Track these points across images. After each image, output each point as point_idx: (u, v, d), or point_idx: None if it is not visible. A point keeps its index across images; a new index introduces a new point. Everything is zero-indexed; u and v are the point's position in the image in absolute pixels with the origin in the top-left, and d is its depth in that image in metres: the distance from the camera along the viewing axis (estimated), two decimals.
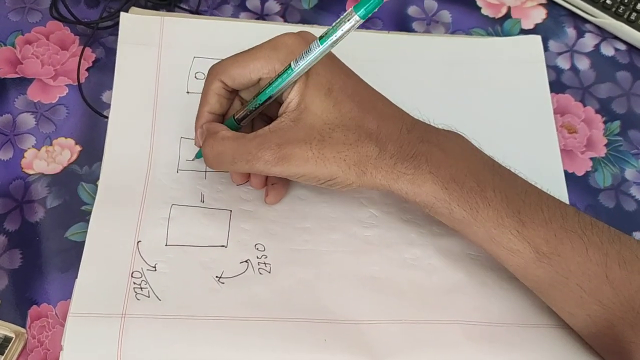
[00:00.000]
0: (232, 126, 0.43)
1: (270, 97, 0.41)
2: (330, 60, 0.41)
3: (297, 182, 0.47)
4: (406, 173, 0.40)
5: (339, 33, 0.37)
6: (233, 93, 0.43)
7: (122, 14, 0.52)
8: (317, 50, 0.38)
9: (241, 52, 0.42)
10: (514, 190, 0.41)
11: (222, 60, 0.42)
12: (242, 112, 0.42)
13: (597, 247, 0.40)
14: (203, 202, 0.46)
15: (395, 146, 0.40)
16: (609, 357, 0.42)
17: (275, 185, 0.46)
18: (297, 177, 0.40)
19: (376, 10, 0.36)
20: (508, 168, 0.43)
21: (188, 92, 0.50)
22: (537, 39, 0.56)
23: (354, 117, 0.40)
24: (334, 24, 0.37)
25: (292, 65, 0.39)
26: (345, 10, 0.57)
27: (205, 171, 0.47)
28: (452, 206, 0.40)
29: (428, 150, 0.40)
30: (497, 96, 0.54)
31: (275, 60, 0.40)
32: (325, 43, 0.38)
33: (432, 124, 0.43)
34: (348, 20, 0.36)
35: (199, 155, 0.46)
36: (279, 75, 0.40)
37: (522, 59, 0.55)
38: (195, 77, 0.51)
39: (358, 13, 0.36)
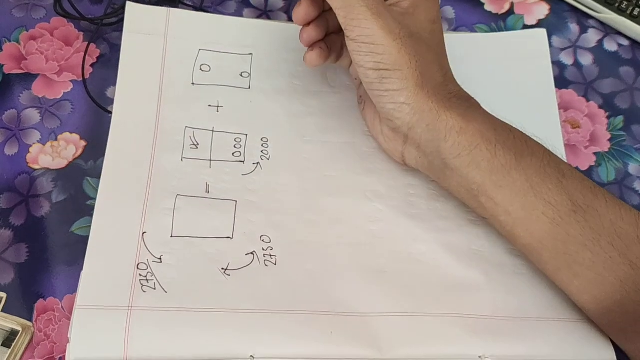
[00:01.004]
0: None
1: None
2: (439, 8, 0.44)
3: (303, 174, 0.47)
4: (460, 106, 0.41)
5: None
6: None
7: (127, 3, 0.52)
8: None
9: None
10: (551, 152, 0.42)
11: None
12: None
13: (629, 208, 0.40)
14: (208, 192, 0.46)
15: (455, 89, 0.43)
16: (622, 332, 0.42)
17: (323, 48, 0.45)
18: (367, 42, 0.39)
19: None
20: None
21: (193, 84, 0.50)
22: (542, 32, 0.56)
23: (437, 51, 0.42)
24: None
25: None
26: None
27: (210, 160, 0.47)
28: (497, 148, 0.40)
29: (477, 105, 0.43)
30: (502, 91, 0.53)
31: None
32: None
33: None
34: None
35: None
36: None
37: (527, 53, 0.56)
38: (201, 69, 0.51)
39: None
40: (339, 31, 0.44)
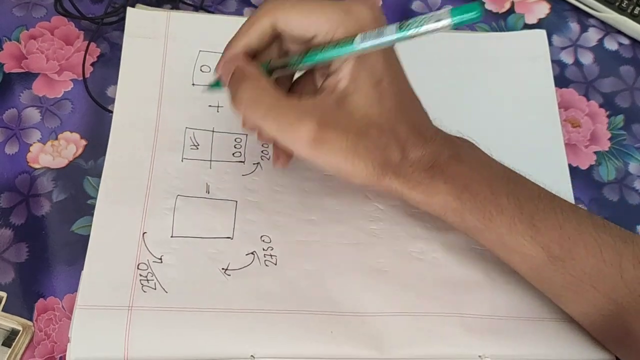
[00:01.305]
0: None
1: (317, 63, 0.38)
2: (390, 49, 0.39)
3: (304, 174, 0.47)
4: (422, 183, 0.39)
5: (423, 29, 0.33)
6: (276, 37, 0.39)
7: (128, 8, 0.52)
8: (391, 37, 0.34)
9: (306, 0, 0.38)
10: (527, 196, 0.40)
11: (281, 0, 0.38)
12: (279, 63, 0.39)
13: (610, 247, 0.39)
14: (208, 192, 0.46)
15: (417, 155, 0.39)
16: (620, 351, 0.42)
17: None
18: (317, 163, 0.37)
19: (467, 23, 0.32)
20: (519, 173, 0.42)
21: (194, 85, 0.50)
22: (542, 33, 0.56)
23: (390, 118, 0.38)
24: (420, 17, 0.33)
25: (358, 40, 0.35)
26: None
27: (210, 160, 0.47)
28: (465, 215, 0.39)
29: (445, 162, 0.39)
30: (502, 91, 0.54)
31: (341, 24, 0.36)
32: (403, 33, 0.34)
33: (438, 122, 0.42)
34: (438, 21, 0.32)
35: (214, 86, 0.42)
36: (337, 44, 0.36)
37: (527, 54, 0.55)
38: (201, 70, 0.51)
39: (453, 18, 0.32)
40: None
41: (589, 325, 0.42)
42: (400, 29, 0.34)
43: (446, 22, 0.32)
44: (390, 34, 0.34)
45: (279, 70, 0.39)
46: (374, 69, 0.37)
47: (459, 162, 0.40)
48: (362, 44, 0.35)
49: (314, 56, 0.37)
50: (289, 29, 0.38)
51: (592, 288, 0.39)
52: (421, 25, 0.33)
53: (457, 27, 0.32)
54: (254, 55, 0.39)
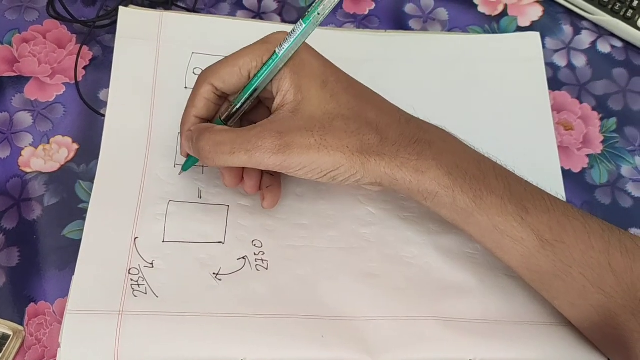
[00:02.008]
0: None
1: (256, 89, 0.40)
2: (320, 56, 0.41)
3: (295, 178, 0.47)
4: (410, 159, 0.39)
5: (320, 9, 0.37)
6: (222, 98, 0.42)
7: (120, 8, 0.52)
8: (302, 30, 0.37)
9: (231, 54, 0.41)
10: (514, 179, 0.41)
11: (212, 64, 0.42)
12: (229, 110, 0.41)
13: (599, 235, 0.40)
14: (200, 197, 0.46)
15: (396, 133, 0.40)
16: (608, 348, 0.43)
17: (271, 188, 0.44)
18: (298, 169, 0.39)
19: None
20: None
21: (186, 88, 0.50)
22: (536, 35, 0.56)
23: (352, 108, 0.39)
24: (314, 3, 0.37)
25: (277, 51, 0.38)
26: (341, 8, 0.57)
27: (203, 166, 0.47)
28: (456, 193, 0.39)
29: (429, 139, 0.40)
30: (496, 93, 0.54)
31: (263, 52, 0.40)
32: (308, 21, 0.37)
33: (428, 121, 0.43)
34: None
35: (186, 167, 0.45)
36: (264, 64, 0.39)
37: (521, 56, 0.56)
38: (194, 72, 0.51)
39: None
40: None
41: (579, 319, 0.42)
42: (303, 20, 0.37)
43: None
44: (299, 28, 0.37)
45: (233, 117, 0.42)
46: (313, 74, 0.39)
47: (443, 141, 0.41)
48: (281, 50, 0.38)
49: (251, 85, 0.40)
50: (226, 83, 0.41)
51: (581, 276, 0.39)
52: (317, 7, 0.37)
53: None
54: (209, 121, 0.43)
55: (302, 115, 0.39)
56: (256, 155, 0.38)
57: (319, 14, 0.37)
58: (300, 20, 0.38)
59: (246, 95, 0.40)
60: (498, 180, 0.40)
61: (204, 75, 0.42)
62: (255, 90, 0.40)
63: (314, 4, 0.37)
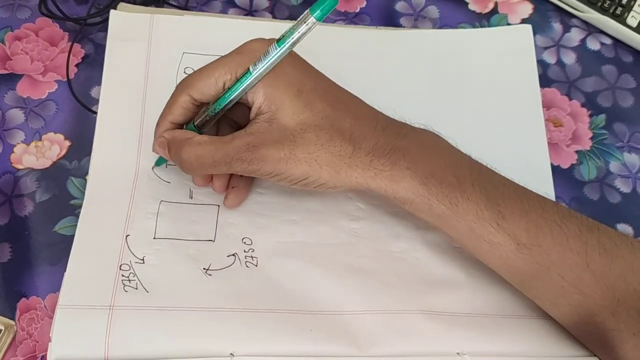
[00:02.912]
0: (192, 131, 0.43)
1: (229, 102, 0.41)
2: (299, 62, 0.42)
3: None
4: (383, 170, 0.40)
5: (295, 36, 0.38)
6: (200, 106, 0.43)
7: (111, 11, 0.52)
8: (275, 53, 0.39)
9: (208, 64, 0.42)
10: (492, 184, 0.41)
11: (190, 74, 0.43)
12: (200, 118, 0.42)
13: (576, 236, 0.40)
14: (191, 197, 0.46)
15: (371, 143, 0.40)
16: (592, 345, 0.43)
17: (236, 189, 0.46)
18: (271, 177, 0.40)
19: (330, 11, 0.37)
20: (485, 164, 0.43)
21: None
22: (528, 28, 0.57)
23: (326, 117, 0.40)
24: (291, 25, 0.38)
25: (251, 69, 0.39)
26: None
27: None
28: (432, 201, 0.40)
29: (404, 146, 0.40)
30: (486, 88, 0.54)
31: (238, 64, 0.40)
32: (283, 45, 0.38)
33: (413, 121, 0.43)
34: (305, 23, 0.37)
35: (159, 163, 0.46)
36: (238, 80, 0.40)
37: (512, 49, 0.56)
38: (185, 72, 0.51)
39: (314, 15, 0.37)
40: None
41: (561, 317, 0.43)
42: (278, 42, 0.39)
43: (310, 20, 0.37)
44: (273, 51, 0.39)
45: (207, 123, 0.43)
46: (288, 83, 0.40)
47: (419, 147, 0.41)
48: (255, 70, 0.39)
49: (224, 98, 0.41)
50: (204, 94, 0.42)
51: (559, 277, 0.40)
52: (293, 33, 0.38)
53: (322, 19, 0.37)
54: (182, 125, 0.44)
55: (277, 126, 0.40)
56: (235, 166, 0.40)
57: (293, 39, 0.38)
58: (275, 43, 0.39)
59: (220, 107, 0.41)
60: (474, 187, 0.40)
61: (182, 86, 0.42)
62: (228, 103, 0.41)
63: (290, 29, 0.38)
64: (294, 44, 0.38)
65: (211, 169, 0.41)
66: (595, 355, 0.43)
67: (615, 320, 0.40)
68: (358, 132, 0.40)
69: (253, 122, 0.40)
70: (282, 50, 0.38)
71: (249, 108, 0.41)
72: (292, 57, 0.40)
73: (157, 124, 0.44)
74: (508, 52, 0.56)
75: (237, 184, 0.46)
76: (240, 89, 0.40)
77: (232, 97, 0.40)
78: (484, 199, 0.40)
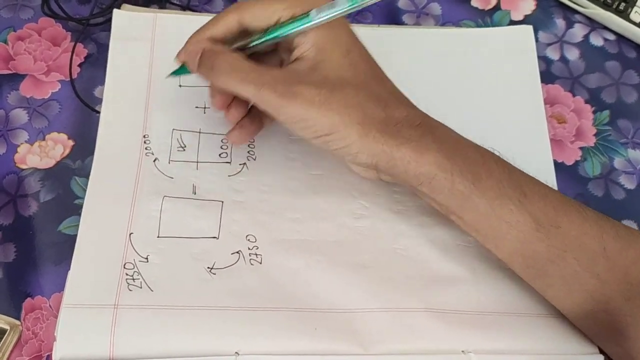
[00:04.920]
0: None
1: (277, 37, 0.40)
2: (352, 32, 0.42)
3: (290, 170, 0.48)
4: (410, 140, 0.39)
5: None
6: (238, 35, 0.42)
7: (114, 11, 0.52)
8: (342, 8, 0.38)
9: None
10: (513, 167, 0.42)
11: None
12: (242, 43, 0.41)
13: (593, 221, 0.40)
14: (195, 193, 0.46)
15: (402, 114, 0.40)
16: (600, 336, 0.43)
17: (245, 129, 0.45)
18: (295, 121, 0.39)
19: None
20: None
21: (180, 86, 0.50)
22: (529, 29, 0.57)
23: (367, 81, 0.40)
24: None
25: (313, 14, 0.39)
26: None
27: (197, 162, 0.47)
28: (455, 177, 0.40)
29: (432, 125, 0.41)
30: (488, 87, 0.54)
31: (298, 4, 0.40)
32: (354, 3, 0.38)
33: None
34: None
35: (178, 72, 0.44)
36: (295, 19, 0.39)
37: (514, 50, 0.56)
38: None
39: None
40: None
41: (572, 306, 0.42)
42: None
43: None
44: (343, 4, 0.38)
45: (243, 51, 0.42)
46: (340, 41, 0.40)
47: (445, 128, 0.42)
48: (317, 16, 0.39)
49: (275, 32, 0.40)
50: (253, 21, 0.41)
51: (574, 261, 0.40)
52: None
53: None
54: None
55: (318, 73, 0.39)
56: (264, 92, 0.38)
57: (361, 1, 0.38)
58: None
59: (266, 39, 0.41)
60: (497, 165, 0.41)
61: (235, 7, 0.41)
62: (275, 37, 0.40)
63: None
64: (365, 3, 0.38)
65: (238, 86, 0.39)
66: (602, 353, 0.43)
67: (629, 306, 0.40)
68: (392, 102, 0.41)
69: (293, 63, 0.40)
70: (351, 6, 0.38)
71: (277, 54, 0.41)
72: (346, 25, 0.41)
73: (193, 36, 0.42)
74: (509, 52, 0.55)
75: (250, 125, 0.45)
76: (295, 30, 0.39)
77: (284, 34, 0.40)
78: (506, 177, 0.40)
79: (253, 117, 0.45)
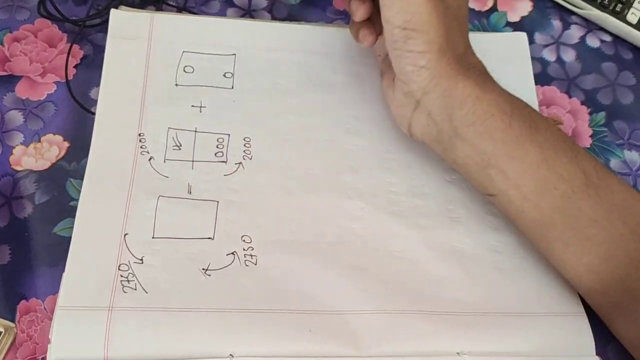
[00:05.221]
0: None
1: None
2: None
3: (285, 170, 0.48)
4: (478, 77, 0.41)
5: None
6: None
7: (112, 10, 0.52)
8: None
9: None
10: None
11: None
12: None
13: (636, 190, 0.41)
14: (190, 193, 0.46)
15: (474, 60, 0.43)
16: (618, 310, 0.41)
17: (370, 29, 0.45)
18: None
19: None
20: None
21: (177, 85, 0.50)
22: (523, 36, 0.56)
23: (462, 17, 0.43)
24: None
25: None
26: (331, 5, 0.58)
27: (193, 161, 0.47)
28: (513, 119, 0.40)
29: (494, 80, 0.43)
30: None
31: None
32: None
33: None
34: None
35: None
36: None
37: (507, 56, 0.55)
38: (184, 70, 0.51)
39: None
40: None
41: (604, 276, 0.40)
42: None
43: None
44: None
45: None
46: None
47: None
48: None
49: None
50: None
51: (620, 222, 0.40)
52: None
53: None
54: None
55: None
56: None
57: None
58: None
59: None
60: (554, 125, 0.42)
61: None
62: None
63: None
64: None
65: None
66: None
67: None
68: (470, 49, 0.44)
69: None
70: None
71: None
72: None
73: None
74: (504, 58, 0.55)
75: (370, 26, 0.45)
76: None
77: None
78: (561, 135, 0.41)
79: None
